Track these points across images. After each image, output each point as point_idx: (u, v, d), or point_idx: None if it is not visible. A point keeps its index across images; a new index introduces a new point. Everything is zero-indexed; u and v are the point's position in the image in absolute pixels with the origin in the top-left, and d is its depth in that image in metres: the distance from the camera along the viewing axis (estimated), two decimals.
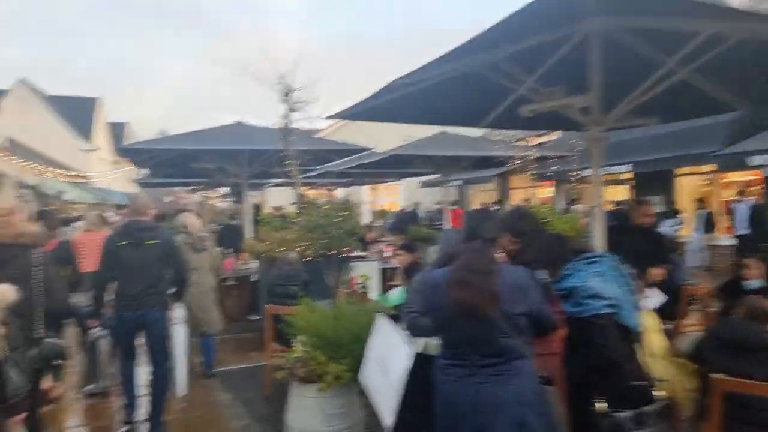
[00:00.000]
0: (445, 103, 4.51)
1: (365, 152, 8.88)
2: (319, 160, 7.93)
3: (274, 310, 4.44)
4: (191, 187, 25.37)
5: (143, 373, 4.17)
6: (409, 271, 4.95)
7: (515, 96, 4.05)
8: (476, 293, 2.27)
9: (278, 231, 6.43)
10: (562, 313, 2.87)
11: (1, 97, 31.31)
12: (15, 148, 22.64)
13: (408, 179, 17.56)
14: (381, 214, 18.99)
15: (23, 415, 2.43)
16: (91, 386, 4.64)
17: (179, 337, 4.64)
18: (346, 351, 3.36)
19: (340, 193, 20.94)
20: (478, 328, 2.31)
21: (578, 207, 10.92)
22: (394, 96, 3.93)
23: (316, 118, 6.21)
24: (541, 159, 11.31)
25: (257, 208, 12.45)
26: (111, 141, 42.74)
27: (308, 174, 13.19)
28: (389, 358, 2.83)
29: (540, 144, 14.73)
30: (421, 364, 2.61)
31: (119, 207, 27.67)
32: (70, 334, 4.55)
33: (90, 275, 6.66)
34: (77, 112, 37.62)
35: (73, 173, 28.25)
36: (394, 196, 29.20)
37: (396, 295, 5.76)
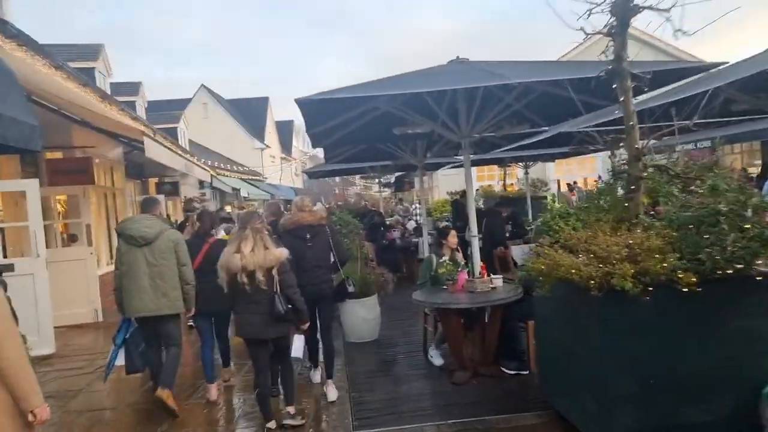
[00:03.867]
0: None
1: (714, 67, 4.87)
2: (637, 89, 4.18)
3: None
4: (361, 176, 22.91)
5: None
6: None
7: None
8: None
9: (616, 230, 3.10)
10: None
11: (185, 107, 33.16)
12: (196, 150, 23.06)
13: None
14: None
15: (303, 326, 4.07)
16: None
17: None
18: None
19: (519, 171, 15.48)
20: None
21: None
22: None
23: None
24: None
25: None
26: (278, 139, 43.79)
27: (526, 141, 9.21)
28: None
29: None
30: None
31: (287, 202, 26.91)
32: None
33: None
34: (251, 114, 38.70)
35: (247, 171, 28.58)
36: (589, 171, 24.02)
37: None
